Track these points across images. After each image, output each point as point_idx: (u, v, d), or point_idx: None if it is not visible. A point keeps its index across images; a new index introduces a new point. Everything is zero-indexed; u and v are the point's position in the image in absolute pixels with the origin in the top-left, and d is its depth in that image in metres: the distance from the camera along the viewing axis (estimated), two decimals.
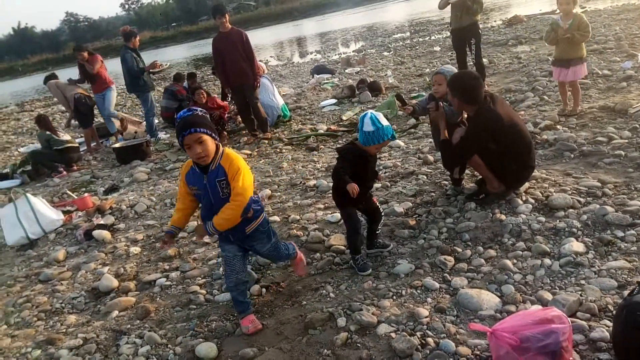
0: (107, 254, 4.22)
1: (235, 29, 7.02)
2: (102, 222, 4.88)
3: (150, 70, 8.41)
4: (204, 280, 3.42)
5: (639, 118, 4.71)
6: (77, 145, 8.00)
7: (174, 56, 36.53)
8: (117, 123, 8.73)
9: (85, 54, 8.19)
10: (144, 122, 8.99)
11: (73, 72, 9.39)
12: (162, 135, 8.82)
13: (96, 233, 4.60)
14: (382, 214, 3.41)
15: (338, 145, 6.28)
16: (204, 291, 3.26)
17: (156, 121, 9.07)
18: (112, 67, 10.66)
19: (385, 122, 2.91)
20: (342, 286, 3.02)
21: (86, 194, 5.87)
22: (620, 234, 2.94)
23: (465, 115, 3.74)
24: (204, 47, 36.01)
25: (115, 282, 3.59)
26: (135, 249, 4.17)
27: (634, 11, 11.89)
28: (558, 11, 5.50)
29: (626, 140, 4.25)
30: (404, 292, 2.82)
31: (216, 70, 7.38)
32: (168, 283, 3.46)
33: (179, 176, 2.67)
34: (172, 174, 6.39)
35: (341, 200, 3.14)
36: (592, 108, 5.25)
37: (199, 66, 23.45)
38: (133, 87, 8.26)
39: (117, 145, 7.90)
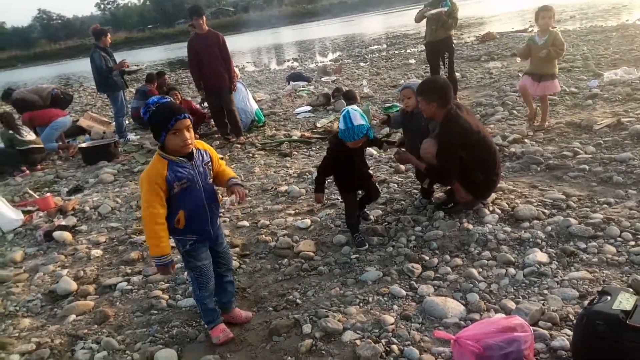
0: (67, 256, 4.07)
1: (212, 31, 6.94)
2: (63, 223, 4.70)
3: (125, 70, 8.21)
4: (167, 284, 3.32)
5: (603, 134, 4.86)
6: (41, 146, 7.71)
7: (149, 58, 36.06)
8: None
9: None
10: (114, 123, 8.77)
11: (44, 70, 9.05)
12: (131, 136, 8.61)
13: (57, 234, 4.43)
14: (380, 193, 3.82)
15: (311, 152, 6.29)
16: (166, 296, 3.17)
17: (126, 122, 8.87)
18: (84, 67, 10.38)
19: (357, 122, 3.07)
20: (309, 292, 2.98)
21: (48, 194, 5.66)
22: (582, 245, 3.01)
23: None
24: (180, 50, 35.65)
25: (73, 285, 3.46)
26: (96, 252, 4.02)
27: (600, 33, 12.36)
28: (530, 29, 5.67)
29: (590, 155, 4.37)
30: (370, 299, 2.80)
31: (191, 72, 7.26)
32: (129, 287, 3.35)
33: (146, 188, 2.32)
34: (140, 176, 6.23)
35: (340, 185, 3.52)
36: (559, 123, 5.40)
37: (174, 69, 23.17)
38: (102, 87, 8.06)
39: (83, 145, 7.68)
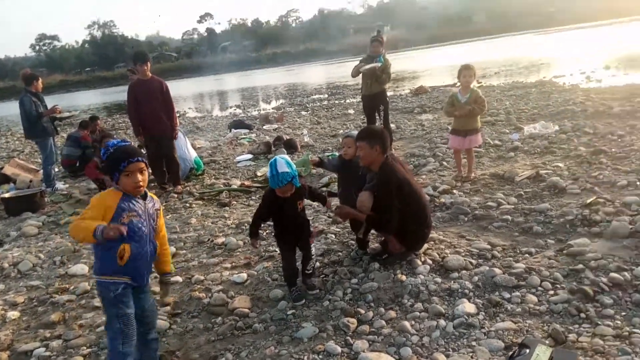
0: None
1: (155, 77, 6.88)
2: None
3: (56, 116, 7.88)
4: (88, 350, 3.09)
5: (523, 185, 5.22)
6: None
7: (86, 101, 34.97)
8: None
9: None
10: (42, 171, 8.31)
11: None
12: (60, 185, 8.18)
13: None
14: (313, 256, 3.63)
15: (251, 201, 6.25)
16: None
17: (56, 170, 8.44)
18: (15, 110, 9.86)
19: (282, 169, 3.17)
20: (242, 353, 2.89)
21: None
22: (507, 295, 3.15)
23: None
24: (118, 93, 34.91)
25: None
26: (13, 314, 3.70)
27: (521, 88, 13.48)
28: (458, 85, 6.04)
29: (512, 206, 4.66)
30: (305, 358, 2.76)
31: (129, 117, 7.08)
32: (47, 354, 3.08)
33: (92, 204, 2.40)
34: (66, 229, 5.89)
35: (278, 237, 3.57)
36: (484, 175, 5.74)
37: (111, 114, 22.56)
38: (31, 133, 7.66)
39: (6, 195, 7.18)
